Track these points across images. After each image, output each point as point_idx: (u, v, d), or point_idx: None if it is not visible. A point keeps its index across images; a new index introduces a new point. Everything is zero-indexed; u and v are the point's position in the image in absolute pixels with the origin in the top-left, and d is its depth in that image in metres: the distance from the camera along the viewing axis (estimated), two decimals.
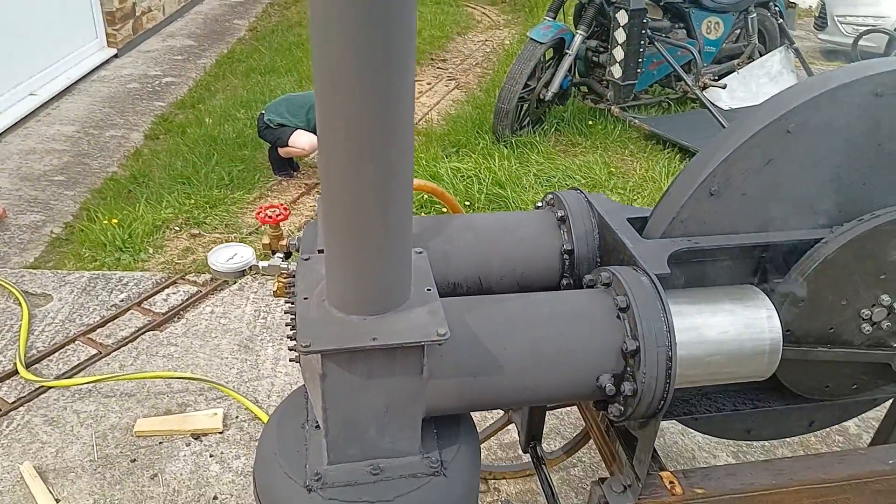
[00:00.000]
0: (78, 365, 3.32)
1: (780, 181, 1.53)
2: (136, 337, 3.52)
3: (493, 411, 2.82)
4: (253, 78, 7.15)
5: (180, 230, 4.52)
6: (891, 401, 1.97)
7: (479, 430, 2.66)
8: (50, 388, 3.16)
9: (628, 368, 1.38)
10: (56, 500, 2.63)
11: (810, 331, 1.54)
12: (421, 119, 6.39)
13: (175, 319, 3.68)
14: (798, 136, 1.49)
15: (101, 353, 3.40)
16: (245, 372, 3.31)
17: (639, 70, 5.71)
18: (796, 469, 1.57)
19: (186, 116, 6.23)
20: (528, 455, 2.31)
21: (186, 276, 4.04)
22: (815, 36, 9.14)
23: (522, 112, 5.74)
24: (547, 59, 5.66)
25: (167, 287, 3.92)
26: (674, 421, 1.71)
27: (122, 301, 3.79)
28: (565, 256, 1.67)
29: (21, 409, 3.07)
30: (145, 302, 3.79)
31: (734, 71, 6.37)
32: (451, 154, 5.48)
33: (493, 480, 2.76)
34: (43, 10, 6.57)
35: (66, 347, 3.43)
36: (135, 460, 2.83)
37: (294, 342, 1.28)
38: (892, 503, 1.66)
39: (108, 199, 4.79)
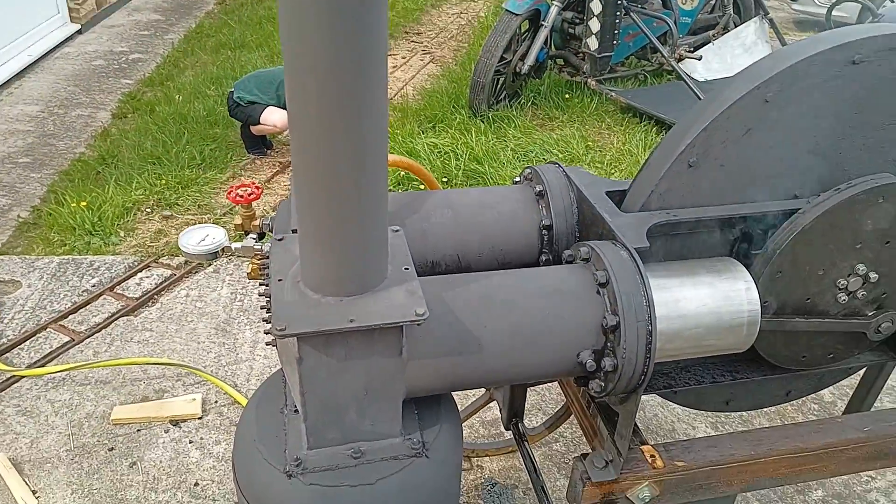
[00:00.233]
0: (50, 353, 3.25)
1: (758, 151, 1.51)
2: (110, 323, 3.46)
3: (475, 389, 2.82)
4: (223, 53, 6.98)
5: (152, 212, 4.43)
6: (864, 369, 2.00)
7: (460, 409, 2.67)
8: (22, 377, 3.10)
9: (608, 344, 1.37)
10: (33, 491, 2.59)
11: (788, 301, 1.55)
12: (396, 94, 6.30)
13: (149, 304, 3.61)
14: (776, 105, 1.47)
15: (73, 340, 3.33)
16: (223, 356, 3.27)
17: (615, 42, 5.68)
18: (774, 439, 1.59)
19: (155, 94, 6.08)
20: (510, 432, 2.31)
21: (160, 259, 3.96)
22: (789, 6, 9.16)
23: (499, 86, 5.69)
24: (523, 31, 5.60)
25: (140, 271, 3.85)
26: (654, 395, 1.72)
27: (94, 286, 3.71)
28: (544, 232, 1.65)
29: None
30: (118, 287, 3.72)
31: (709, 42, 6.36)
32: (428, 129, 5.42)
33: (476, 458, 2.77)
34: None
35: (38, 335, 3.36)
36: (112, 449, 2.79)
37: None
38: (866, 468, 1.69)
39: (76, 181, 4.67)
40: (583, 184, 1.65)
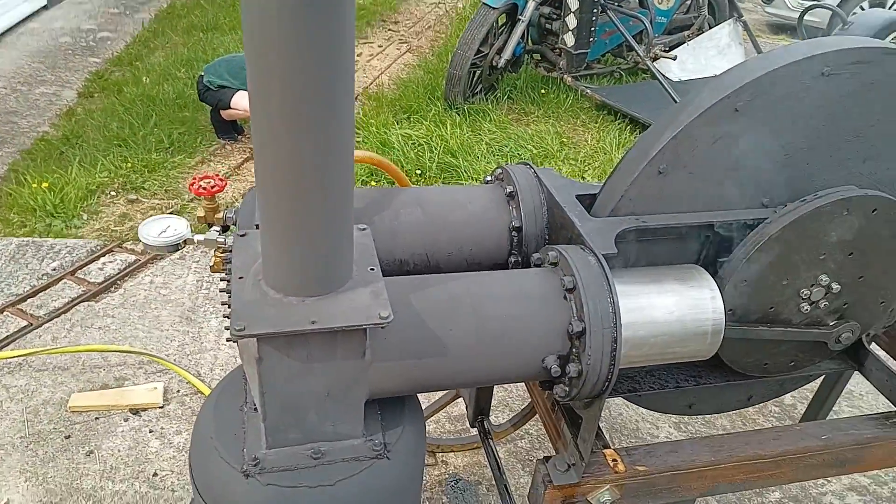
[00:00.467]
0: (7, 337, 3.16)
1: (727, 160, 1.52)
2: (70, 308, 3.37)
3: None
4: (194, 35, 6.84)
5: (117, 195, 4.32)
6: (823, 377, 2.04)
7: (427, 404, 2.66)
8: None
9: (574, 350, 1.37)
10: None
11: (752, 310, 1.56)
12: (371, 83, 6.24)
13: (112, 289, 3.53)
14: (746, 115, 1.48)
15: (31, 324, 3.24)
16: (187, 345, 3.21)
17: (591, 39, 5.69)
18: (735, 445, 1.60)
19: (123, 74, 5.93)
20: (475, 429, 2.31)
21: (124, 244, 3.87)
22: (763, 9, 9.28)
23: (475, 78, 5.66)
24: (500, 24, 5.58)
25: (103, 255, 3.75)
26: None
27: (55, 270, 3.61)
28: (514, 233, 1.64)
29: None
30: (79, 271, 3.62)
31: (684, 42, 6.41)
32: (403, 120, 5.38)
33: (440, 454, 2.76)
34: None
35: None
36: (69, 436, 2.73)
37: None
38: (822, 475, 1.73)
39: (39, 161, 4.54)
40: (553, 186, 1.64)
